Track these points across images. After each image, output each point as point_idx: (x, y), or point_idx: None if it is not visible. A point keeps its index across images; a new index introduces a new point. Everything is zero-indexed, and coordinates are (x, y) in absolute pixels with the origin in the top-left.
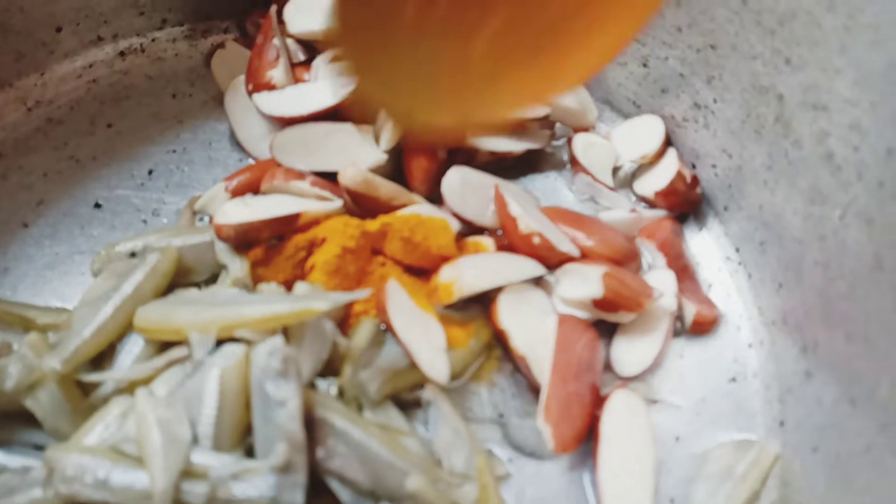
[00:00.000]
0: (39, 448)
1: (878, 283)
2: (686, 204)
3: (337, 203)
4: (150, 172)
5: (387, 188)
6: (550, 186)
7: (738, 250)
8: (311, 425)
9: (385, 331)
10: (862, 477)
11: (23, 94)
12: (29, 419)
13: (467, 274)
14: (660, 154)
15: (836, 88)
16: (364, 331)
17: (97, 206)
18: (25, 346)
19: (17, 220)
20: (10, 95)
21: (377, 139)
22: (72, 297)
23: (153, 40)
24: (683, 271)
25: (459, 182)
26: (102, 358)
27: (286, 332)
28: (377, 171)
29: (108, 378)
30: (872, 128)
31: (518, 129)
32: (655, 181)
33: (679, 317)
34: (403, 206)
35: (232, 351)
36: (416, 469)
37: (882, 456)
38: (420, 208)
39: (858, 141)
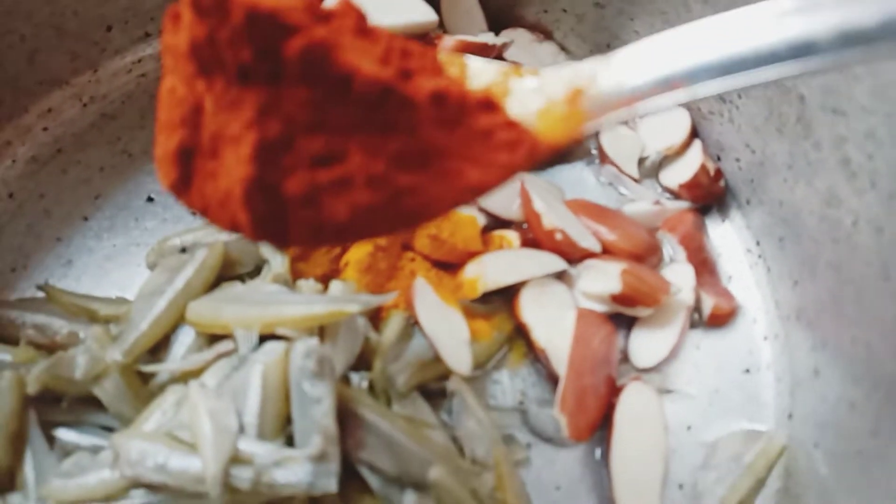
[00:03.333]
0: (105, 428)
1: (884, 292)
2: (709, 196)
3: None
4: None
5: None
6: (577, 176)
7: (758, 243)
8: (344, 418)
9: (413, 324)
10: (851, 477)
11: (78, 91)
12: (96, 403)
13: (491, 270)
14: (686, 145)
15: (855, 95)
16: (393, 325)
17: (150, 199)
18: (91, 339)
19: (78, 214)
20: (66, 93)
21: None
22: (130, 286)
23: None
24: (703, 264)
25: None
26: (158, 347)
27: (322, 329)
28: None
29: (164, 369)
30: (887, 138)
31: None
32: (680, 173)
33: (697, 308)
34: None
35: (273, 348)
36: (438, 459)
37: (869, 462)
38: None
39: (873, 149)
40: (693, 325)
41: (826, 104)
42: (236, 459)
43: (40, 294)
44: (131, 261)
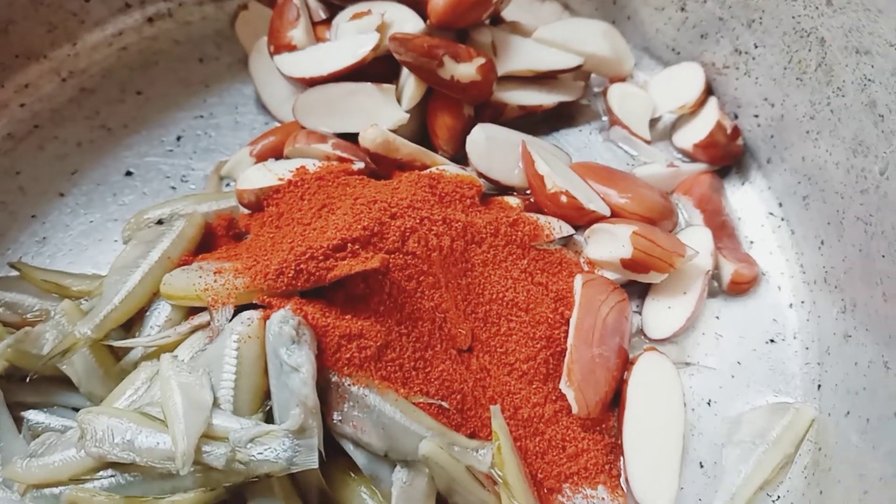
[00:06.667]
0: (77, 410)
1: None
2: (727, 157)
3: (358, 165)
4: (179, 138)
5: (407, 149)
6: (584, 141)
7: (781, 205)
8: (327, 390)
9: None
10: (887, 443)
11: (57, 66)
12: (67, 383)
13: None
14: (700, 103)
15: (879, 30)
16: None
17: (128, 173)
18: (60, 314)
19: (54, 190)
20: (44, 67)
21: (399, 98)
22: (106, 264)
23: (180, 4)
24: (722, 228)
25: (485, 140)
26: (132, 323)
27: None
28: (400, 130)
29: (136, 344)
30: None
31: (550, 80)
32: (694, 133)
33: (716, 276)
34: (426, 166)
35: (248, 317)
36: (430, 433)
37: None
38: (445, 168)
39: None
40: (712, 293)
41: (849, 44)
42: (210, 436)
43: (13, 273)
44: (108, 237)
